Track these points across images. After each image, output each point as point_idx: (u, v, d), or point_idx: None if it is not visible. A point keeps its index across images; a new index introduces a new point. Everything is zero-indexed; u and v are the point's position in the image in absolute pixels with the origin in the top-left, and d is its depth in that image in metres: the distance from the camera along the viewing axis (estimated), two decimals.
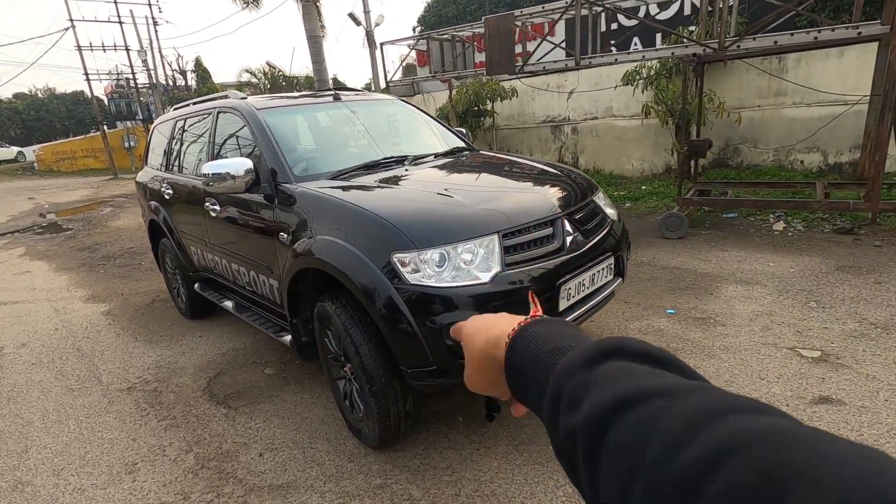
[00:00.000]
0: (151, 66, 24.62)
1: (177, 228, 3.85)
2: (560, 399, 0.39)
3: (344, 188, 2.38)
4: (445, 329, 1.85)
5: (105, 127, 24.55)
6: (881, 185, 4.29)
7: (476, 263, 1.96)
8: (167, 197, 3.82)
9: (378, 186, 2.42)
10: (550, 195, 2.32)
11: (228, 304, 3.39)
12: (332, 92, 3.37)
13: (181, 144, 3.77)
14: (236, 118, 3.01)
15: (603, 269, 2.31)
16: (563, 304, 2.08)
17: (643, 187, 7.61)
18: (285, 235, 2.41)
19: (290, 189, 2.47)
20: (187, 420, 2.73)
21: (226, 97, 3.34)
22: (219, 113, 3.22)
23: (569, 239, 2.19)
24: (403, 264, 1.90)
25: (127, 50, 24.50)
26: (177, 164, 3.79)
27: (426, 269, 1.89)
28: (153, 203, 4.14)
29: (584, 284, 2.18)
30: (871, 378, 2.45)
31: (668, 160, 7.92)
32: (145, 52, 24.74)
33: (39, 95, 43.51)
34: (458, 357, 1.85)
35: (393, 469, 2.17)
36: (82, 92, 40.68)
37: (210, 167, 2.56)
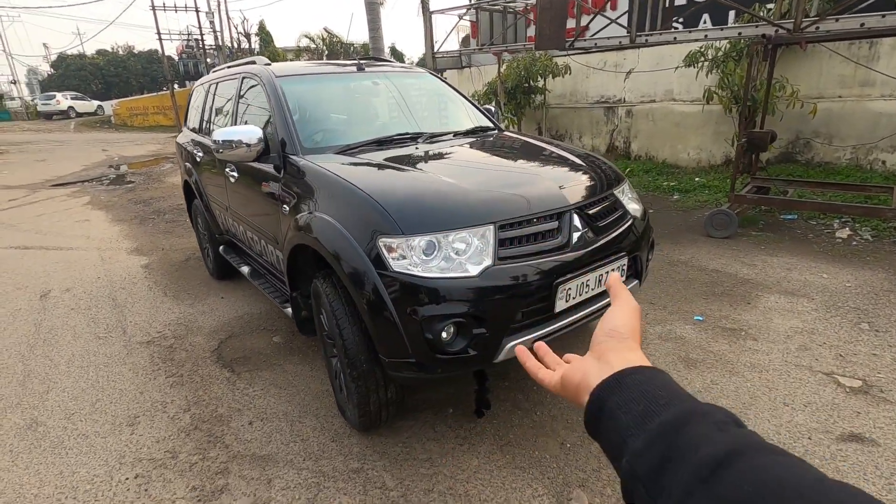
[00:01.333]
0: (218, 29, 25.35)
1: (205, 191, 3.94)
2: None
3: (346, 164, 2.31)
4: (427, 321, 1.76)
5: (175, 86, 25.72)
6: None
7: (468, 255, 1.84)
8: (198, 160, 3.91)
9: (381, 165, 2.32)
10: (563, 185, 2.14)
11: (245, 269, 3.44)
12: (358, 62, 3.27)
13: (212, 108, 3.81)
14: (255, 84, 2.98)
15: (614, 270, 2.13)
16: (560, 306, 1.93)
17: (696, 179, 7.09)
18: (287, 208, 2.38)
19: (297, 161, 2.43)
20: (192, 380, 2.82)
21: (253, 62, 3.32)
22: (243, 78, 3.21)
23: (576, 235, 2.01)
24: (390, 250, 1.81)
25: (197, 11, 25.34)
26: (207, 127, 3.84)
27: (413, 257, 1.79)
28: (187, 164, 4.25)
29: (587, 286, 2.02)
30: None
31: (728, 151, 7.31)
32: (213, 13, 25.47)
33: (119, 53, 46.09)
34: (438, 352, 1.77)
35: (373, 454, 2.14)
36: (156, 51, 42.70)
37: (220, 134, 2.54)
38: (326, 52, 21.22)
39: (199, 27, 25.50)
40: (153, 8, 24.18)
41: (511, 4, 7.02)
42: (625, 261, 2.19)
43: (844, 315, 3.10)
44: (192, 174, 4.13)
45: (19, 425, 2.48)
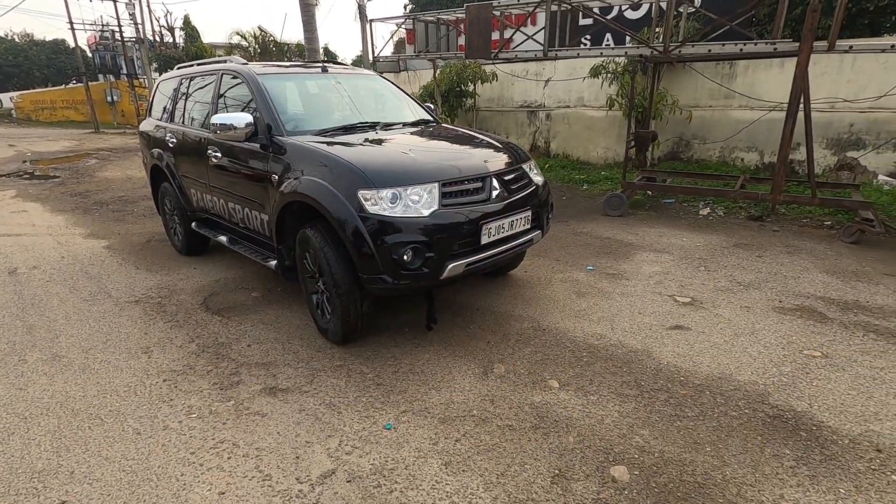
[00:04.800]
0: (139, 21, 24.25)
1: (179, 173, 4.43)
2: None
3: (326, 143, 3.03)
4: (393, 247, 2.54)
5: (87, 79, 24.23)
6: (784, 180, 5.10)
7: (421, 203, 2.64)
8: (171, 145, 4.39)
9: (352, 143, 3.08)
10: (485, 159, 3.01)
11: (223, 238, 4.01)
12: (321, 64, 3.98)
13: (186, 99, 4.33)
14: (238, 80, 3.60)
15: (521, 218, 3.02)
16: (484, 240, 2.79)
17: (602, 173, 8.36)
18: (276, 177, 3.06)
19: (282, 141, 3.11)
20: (189, 323, 3.39)
21: (228, 62, 3.92)
22: (222, 74, 3.81)
23: (494, 193, 2.89)
24: (366, 199, 2.57)
25: (114, 1, 24.09)
26: (182, 116, 4.35)
27: (382, 204, 2.57)
28: (156, 150, 4.69)
29: (503, 227, 2.90)
30: (718, 316, 3.25)
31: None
32: (133, 5, 24.32)
33: (17, 40, 42.07)
34: (402, 269, 2.56)
35: (350, 356, 2.88)
36: (63, 40, 39.51)
37: (218, 118, 3.17)
38: (260, 51, 21.10)
39: (117, 17, 24.27)
40: None
41: (444, 17, 7.92)
42: (529, 213, 3.10)
43: (690, 262, 4.25)
44: (162, 158, 4.59)
45: (43, 359, 2.95)
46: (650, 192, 6.62)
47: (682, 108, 7.53)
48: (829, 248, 4.55)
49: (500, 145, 3.38)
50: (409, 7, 16.54)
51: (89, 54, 31.37)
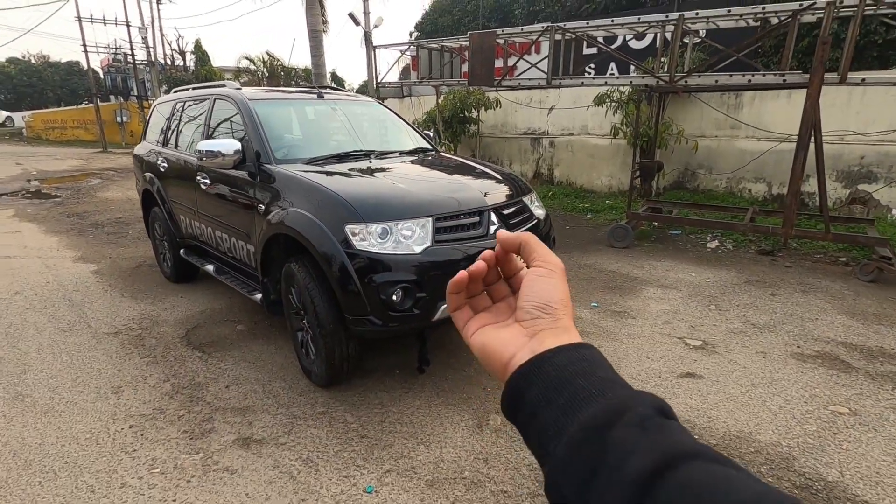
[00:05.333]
0: (151, 44, 24.75)
1: (168, 198, 4.30)
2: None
3: (315, 172, 2.88)
4: (381, 287, 2.35)
5: (98, 100, 24.59)
6: (795, 214, 4.91)
7: (413, 238, 2.47)
8: (162, 169, 4.27)
9: (343, 173, 2.92)
10: (484, 192, 2.84)
11: (210, 267, 3.84)
12: (317, 90, 3.87)
13: (179, 123, 4.22)
14: (230, 105, 3.48)
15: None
16: None
17: (606, 202, 8.21)
18: (263, 207, 2.90)
19: (270, 169, 2.96)
20: (166, 359, 3.18)
21: (223, 86, 3.82)
22: (215, 99, 3.70)
23: (492, 228, 2.71)
24: (354, 234, 2.40)
25: (128, 25, 24.60)
26: (173, 140, 4.23)
27: (371, 239, 2.40)
28: (148, 174, 4.57)
29: None
30: (732, 362, 3.02)
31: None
32: (146, 29, 24.87)
33: (33, 62, 43.05)
34: (390, 310, 2.36)
35: (335, 402, 2.66)
36: (77, 63, 40.40)
37: (204, 145, 3.03)
38: (267, 75, 21.41)
39: (130, 41, 24.74)
40: (79, 19, 23.23)
41: (448, 44, 7.92)
42: None
43: (700, 300, 4.03)
44: (153, 183, 4.47)
45: (5, 398, 2.74)
46: (656, 223, 6.44)
47: (687, 137, 7.43)
48: (845, 286, 4.33)
49: (500, 177, 3.23)
50: (415, 35, 16.78)
51: (102, 76, 31.98)
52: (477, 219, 2.69)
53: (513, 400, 0.42)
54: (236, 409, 2.61)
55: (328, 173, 2.91)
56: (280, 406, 2.63)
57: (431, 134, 4.22)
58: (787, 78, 4.73)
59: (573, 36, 6.29)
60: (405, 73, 16.00)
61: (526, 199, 3.13)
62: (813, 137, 4.67)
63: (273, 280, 3.04)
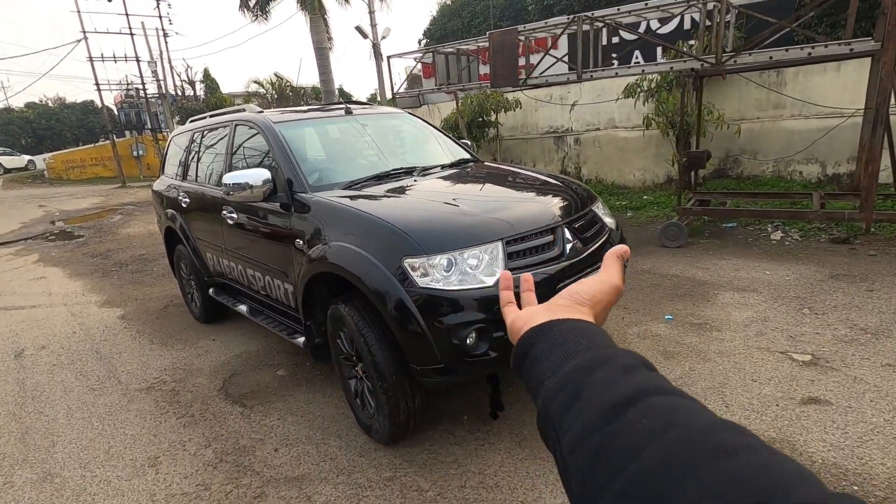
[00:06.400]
0: (161, 77, 25.05)
1: (193, 235, 4.01)
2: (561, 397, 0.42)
3: (357, 197, 2.53)
4: (453, 329, 1.98)
5: (114, 136, 24.97)
6: (875, 196, 4.40)
7: (481, 268, 2.09)
8: (184, 205, 3.99)
9: (389, 196, 2.57)
10: (551, 205, 2.46)
11: (243, 308, 3.53)
12: (344, 106, 3.54)
13: (199, 155, 3.94)
14: (253, 131, 3.17)
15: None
16: None
17: (644, 197, 7.74)
18: (301, 242, 2.56)
19: (305, 198, 2.63)
20: (205, 417, 2.86)
21: (242, 111, 3.52)
22: (236, 125, 3.39)
23: (568, 246, 2.32)
24: (413, 269, 2.04)
25: (137, 61, 24.99)
26: (194, 173, 3.95)
27: (434, 273, 2.03)
28: (170, 211, 4.30)
29: None
30: (858, 380, 2.56)
31: (669, 170, 8.06)
32: (155, 63, 25.20)
33: (50, 105, 44.22)
34: (464, 355, 1.99)
35: (402, 463, 2.29)
36: (92, 101, 41.34)
37: (230, 178, 2.72)
38: (277, 96, 21.41)
39: (141, 76, 25.11)
40: (90, 59, 23.64)
41: (464, 47, 7.58)
42: None
43: (788, 303, 3.57)
44: (176, 220, 4.19)
45: (32, 480, 2.44)
46: (707, 217, 5.96)
47: (728, 122, 6.93)
48: None
49: (561, 184, 2.84)
50: (424, 42, 16.52)
51: (116, 112, 32.56)
52: (550, 237, 2.30)
53: (522, 351, 0.50)
54: (290, 479, 2.26)
55: (371, 197, 2.56)
56: (340, 472, 2.27)
57: (469, 143, 3.85)
58: (854, 47, 4.25)
59: (601, 24, 5.88)
60: (413, 82, 15.75)
61: (594, 208, 2.73)
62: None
63: (317, 322, 2.70)
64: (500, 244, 2.14)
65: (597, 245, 2.49)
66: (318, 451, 2.45)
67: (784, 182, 7.15)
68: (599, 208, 2.82)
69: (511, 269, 2.13)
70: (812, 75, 6.80)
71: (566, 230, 2.36)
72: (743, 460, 0.29)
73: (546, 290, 2.15)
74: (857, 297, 3.56)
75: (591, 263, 2.38)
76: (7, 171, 31.62)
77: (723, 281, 4.14)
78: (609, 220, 2.81)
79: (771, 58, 4.72)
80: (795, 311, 3.45)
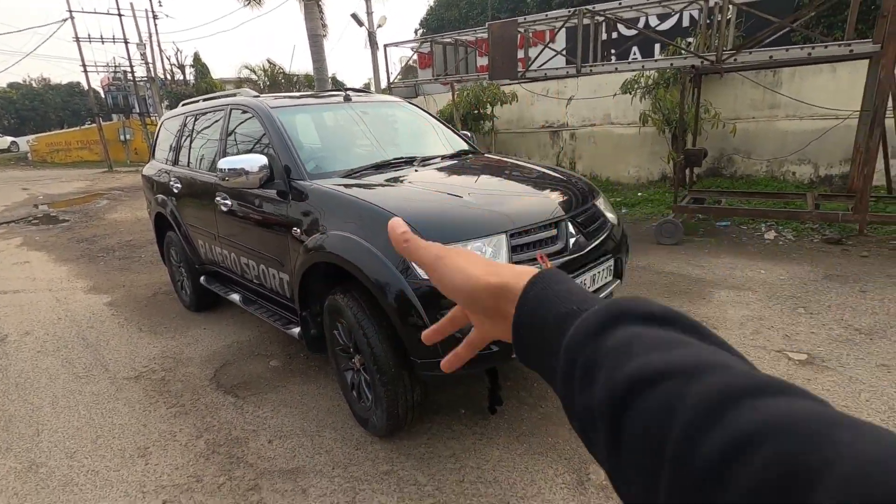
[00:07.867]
0: (150, 60, 24.53)
1: (184, 221, 3.92)
2: (573, 375, 0.35)
3: (357, 186, 2.48)
4: None
5: (101, 119, 24.44)
6: (869, 197, 4.44)
7: None
8: (175, 191, 3.89)
9: (389, 185, 2.52)
10: (555, 198, 2.42)
11: (235, 297, 3.46)
12: (343, 93, 3.46)
13: (191, 140, 3.84)
14: (248, 115, 3.09)
15: (603, 270, 2.42)
16: None
17: (639, 194, 7.75)
18: (298, 230, 2.50)
19: (303, 186, 2.56)
20: (196, 408, 2.80)
21: (237, 94, 3.42)
22: (231, 110, 3.30)
23: (572, 240, 2.29)
24: None
25: (126, 43, 24.41)
26: (186, 158, 3.85)
27: None
28: (160, 196, 4.20)
29: (584, 284, 2.29)
30: (854, 380, 2.58)
31: (664, 168, 8.08)
32: (144, 45, 24.65)
33: (34, 85, 43.15)
34: None
35: (399, 456, 2.26)
36: (78, 83, 40.45)
37: (226, 163, 2.64)
38: (269, 83, 21.08)
39: (129, 58, 24.54)
40: (77, 40, 23.05)
41: (462, 38, 7.49)
42: (611, 262, 2.49)
43: (783, 303, 3.58)
44: (166, 205, 4.09)
45: (17, 469, 2.37)
46: (701, 215, 5.98)
47: (723, 121, 6.94)
48: None
49: (563, 178, 2.80)
50: (420, 32, 16.34)
51: (102, 95, 31.87)
52: (554, 231, 2.27)
53: (529, 307, 0.42)
54: (285, 472, 2.22)
55: (371, 186, 2.51)
56: (336, 465, 2.24)
57: (469, 134, 3.80)
58: (853, 48, 4.26)
59: (602, 18, 5.84)
60: (408, 72, 15.58)
61: (597, 203, 2.70)
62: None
63: (313, 313, 2.64)
64: (504, 237, 2.10)
65: (599, 240, 2.46)
66: (312, 443, 2.41)
67: (777, 182, 7.20)
68: (602, 203, 2.79)
69: (515, 262, 2.09)
70: (808, 76, 6.83)
71: (569, 224, 2.32)
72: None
73: None
74: (851, 297, 3.59)
75: (594, 258, 2.36)
76: None
77: (718, 279, 4.15)
78: (611, 216, 2.78)
79: (771, 57, 4.72)
80: (790, 310, 3.46)
